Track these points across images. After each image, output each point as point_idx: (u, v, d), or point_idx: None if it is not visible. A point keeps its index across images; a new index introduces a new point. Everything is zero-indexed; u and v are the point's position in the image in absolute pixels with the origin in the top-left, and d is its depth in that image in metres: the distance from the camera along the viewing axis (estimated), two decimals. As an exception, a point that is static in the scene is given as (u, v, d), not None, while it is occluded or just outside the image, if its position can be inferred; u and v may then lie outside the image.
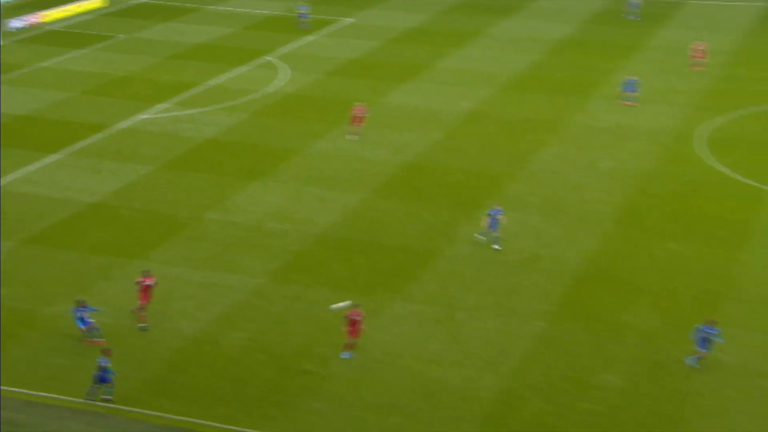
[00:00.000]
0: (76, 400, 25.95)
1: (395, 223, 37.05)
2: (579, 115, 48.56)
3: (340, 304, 29.16)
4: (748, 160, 42.61)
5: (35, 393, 26.23)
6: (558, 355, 28.55)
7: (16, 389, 26.35)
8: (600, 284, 32.54)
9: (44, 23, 64.62)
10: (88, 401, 25.79)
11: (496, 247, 34.31)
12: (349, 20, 67.03)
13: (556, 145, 44.68)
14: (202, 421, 25.34)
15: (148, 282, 29.44)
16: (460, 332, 29.73)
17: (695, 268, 33.41)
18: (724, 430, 25.28)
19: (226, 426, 25.22)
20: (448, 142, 45.27)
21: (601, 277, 32.98)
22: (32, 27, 63.84)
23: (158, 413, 25.56)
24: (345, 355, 28.04)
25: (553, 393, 26.80)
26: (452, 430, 25.27)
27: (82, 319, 28.35)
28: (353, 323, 28.00)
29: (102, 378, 25.62)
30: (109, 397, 25.78)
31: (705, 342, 27.01)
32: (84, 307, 28.47)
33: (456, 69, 56.37)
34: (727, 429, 25.29)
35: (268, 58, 58.12)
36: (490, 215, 34.55)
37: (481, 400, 26.49)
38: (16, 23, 63.34)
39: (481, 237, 34.69)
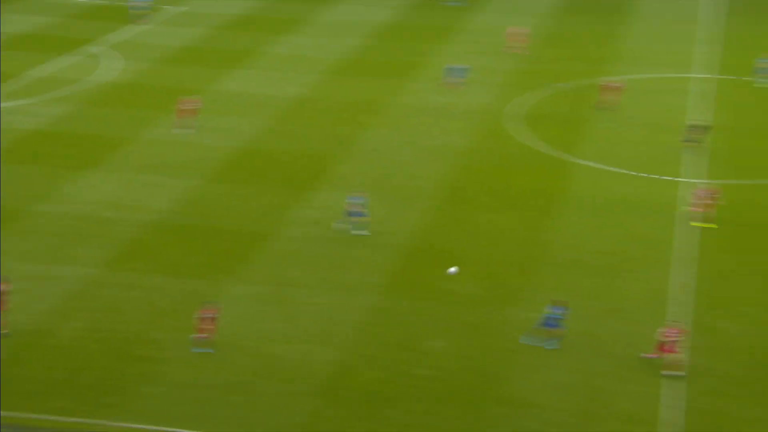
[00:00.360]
0: None
1: (230, 207, 36.62)
2: (402, 96, 49.28)
3: (451, 269, 30.54)
4: (557, 134, 44.41)
5: None
6: (390, 326, 29.04)
7: None
8: (426, 256, 33.25)
9: None
10: None
11: (363, 232, 34.07)
12: (180, 8, 65.47)
13: (382, 126, 45.24)
14: (37, 415, 24.30)
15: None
16: (296, 309, 29.76)
17: (512, 236, 34.63)
18: (541, 382, 26.38)
19: (61, 418, 24.30)
20: (278, 127, 45.05)
21: (428, 250, 33.71)
22: None
23: (-9, 410, 24.38)
24: (200, 349, 27.26)
25: (385, 362, 27.25)
26: (291, 404, 25.30)
27: None
28: (207, 321, 27.23)
29: None
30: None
31: (554, 322, 27.62)
32: None
33: (284, 55, 56.08)
34: (544, 382, 26.41)
35: (98, 47, 56.02)
36: (350, 203, 34.45)
37: (318, 373, 26.63)
38: None
39: (342, 225, 34.43)
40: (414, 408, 25.35)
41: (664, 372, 26.31)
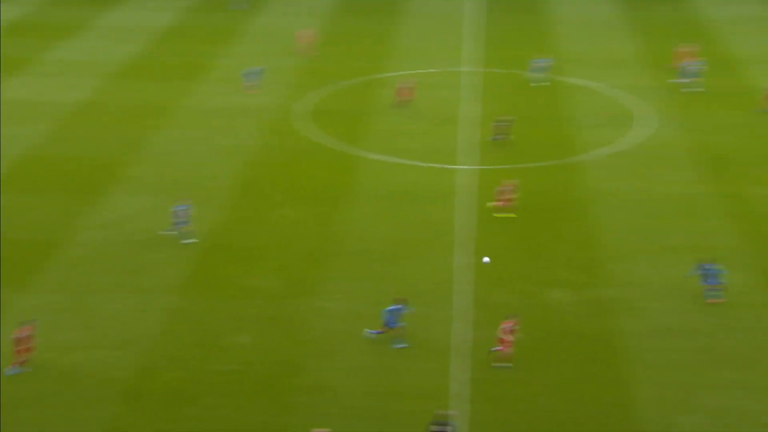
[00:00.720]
0: None
1: (14, 217, 34.88)
2: (191, 98, 48.59)
3: (485, 259, 31.46)
4: (343, 129, 45.28)
5: None
6: (189, 325, 28.76)
7: None
8: (225, 254, 33.12)
9: None
10: None
11: (190, 240, 33.30)
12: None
13: (171, 128, 44.45)
14: None
15: None
16: (93, 316, 28.88)
17: (304, 230, 35.09)
18: (338, 368, 27.01)
19: None
20: (62, 133, 43.29)
21: (226, 247, 33.57)
22: None
23: None
24: (14, 370, 25.78)
25: (187, 361, 27.00)
26: (92, 412, 24.59)
27: None
28: (24, 341, 25.81)
29: None
30: None
31: (395, 319, 27.82)
32: None
33: (63, 60, 53.82)
34: (341, 367, 27.07)
35: None
36: (176, 211, 33.47)
37: (119, 378, 26.03)
38: None
39: (171, 233, 33.41)
40: (216, 404, 25.31)
41: (494, 365, 27.08)
